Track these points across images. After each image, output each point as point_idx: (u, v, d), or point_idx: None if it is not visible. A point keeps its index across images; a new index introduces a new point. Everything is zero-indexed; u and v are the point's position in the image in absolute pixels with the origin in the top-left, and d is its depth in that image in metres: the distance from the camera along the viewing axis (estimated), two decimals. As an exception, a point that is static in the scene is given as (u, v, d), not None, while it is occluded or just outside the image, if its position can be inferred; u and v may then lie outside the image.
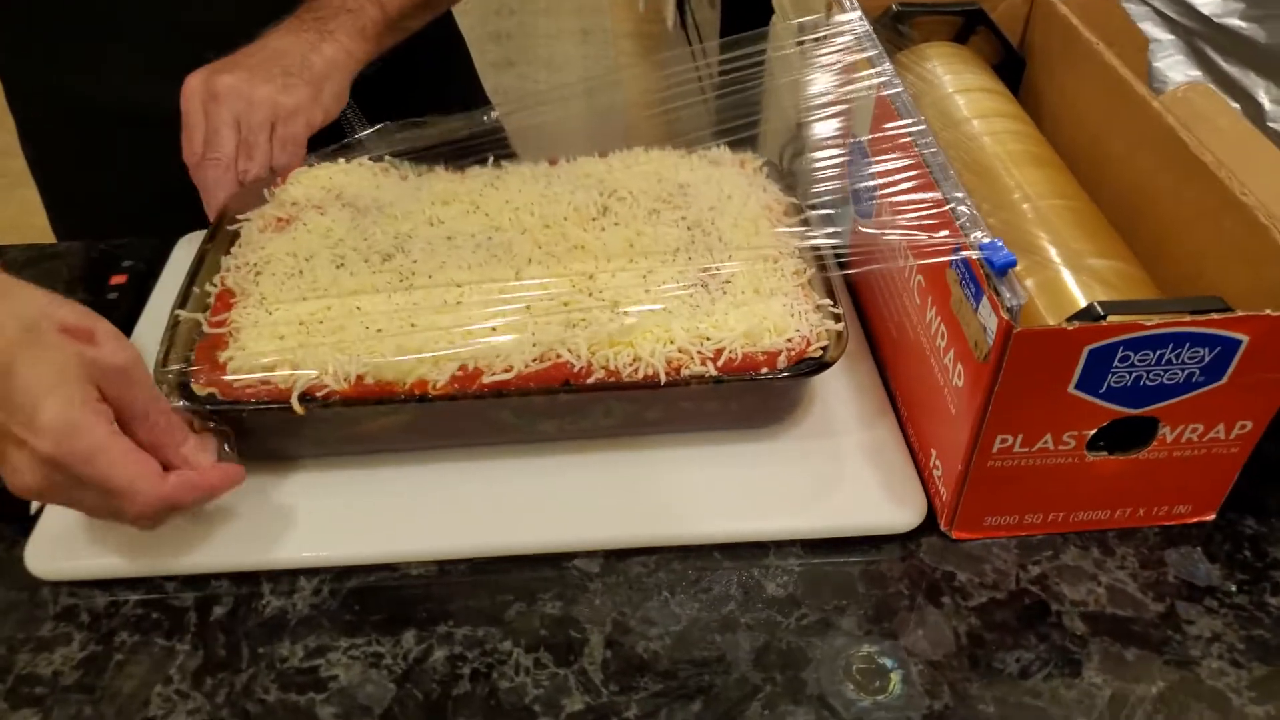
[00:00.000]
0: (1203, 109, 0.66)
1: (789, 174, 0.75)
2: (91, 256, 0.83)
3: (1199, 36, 0.88)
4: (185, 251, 0.82)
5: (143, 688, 0.54)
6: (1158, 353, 0.50)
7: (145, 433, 0.54)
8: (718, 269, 0.66)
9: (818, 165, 0.72)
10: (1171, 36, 0.88)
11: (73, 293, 0.79)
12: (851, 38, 0.68)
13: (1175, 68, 0.85)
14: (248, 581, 0.59)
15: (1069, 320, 0.50)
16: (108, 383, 0.52)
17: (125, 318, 0.75)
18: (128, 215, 0.87)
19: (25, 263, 0.83)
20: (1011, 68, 0.74)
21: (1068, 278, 0.57)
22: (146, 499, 0.52)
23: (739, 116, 0.76)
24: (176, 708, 0.53)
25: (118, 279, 0.77)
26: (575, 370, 0.60)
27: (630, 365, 0.60)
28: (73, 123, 0.91)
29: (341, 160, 0.77)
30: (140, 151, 0.81)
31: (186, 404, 0.59)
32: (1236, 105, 0.80)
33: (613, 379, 0.60)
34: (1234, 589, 0.58)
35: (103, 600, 0.58)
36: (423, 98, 0.83)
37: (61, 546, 0.60)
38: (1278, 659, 0.54)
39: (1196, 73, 0.84)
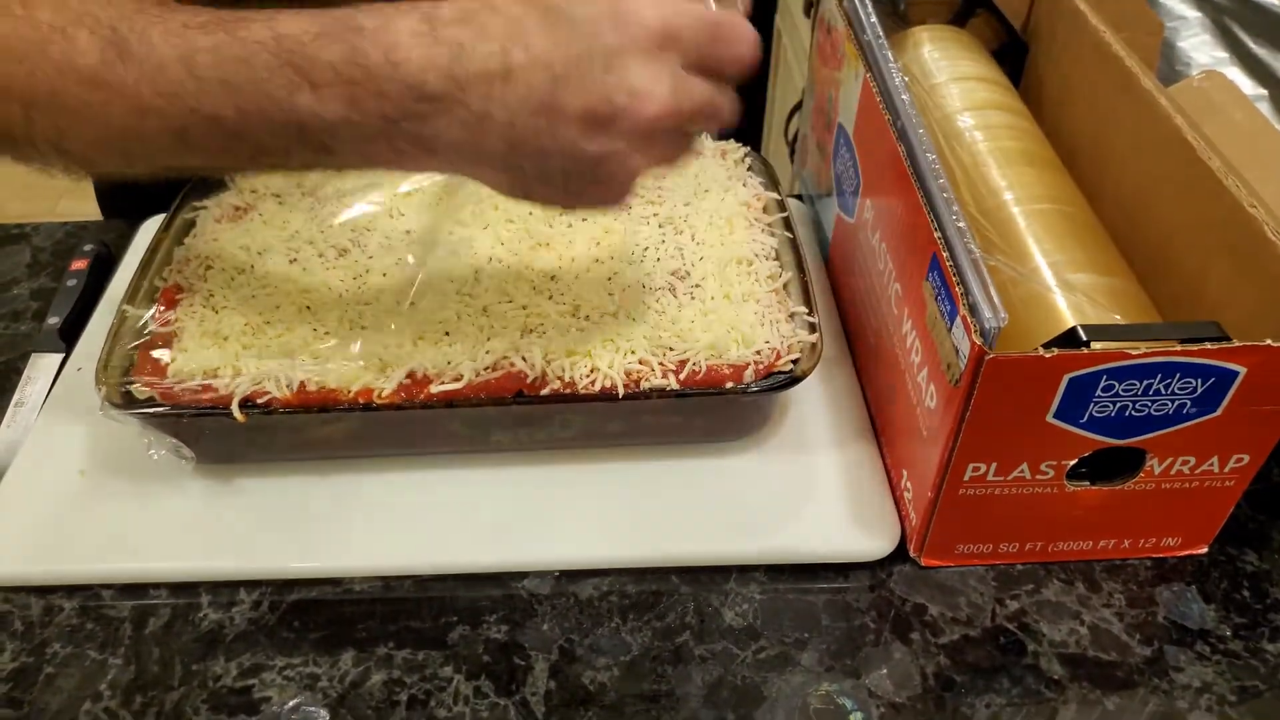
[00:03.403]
0: (1218, 101, 0.60)
1: (769, 166, 0.70)
2: (56, 238, 0.80)
3: (1227, 14, 0.82)
4: (148, 237, 0.77)
5: (71, 704, 0.52)
6: (1145, 382, 0.46)
7: None
8: (687, 272, 0.62)
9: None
10: (1198, 14, 0.82)
11: (35, 276, 0.77)
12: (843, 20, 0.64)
13: (1200, 48, 0.79)
14: (187, 592, 0.57)
15: (1048, 346, 0.46)
16: None
17: (84, 305, 0.72)
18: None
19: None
20: (1013, 53, 0.69)
21: (1055, 293, 0.52)
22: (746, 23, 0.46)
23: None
24: (104, 727, 0.51)
25: (78, 264, 0.75)
26: (529, 381, 0.56)
27: (588, 376, 0.56)
28: None
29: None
30: None
31: (127, 409, 0.56)
32: (1264, 90, 0.74)
33: (568, 390, 0.56)
34: (1229, 633, 0.53)
35: (38, 608, 0.56)
36: None
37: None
38: (1271, 716, 0.50)
39: (1223, 53, 0.78)
